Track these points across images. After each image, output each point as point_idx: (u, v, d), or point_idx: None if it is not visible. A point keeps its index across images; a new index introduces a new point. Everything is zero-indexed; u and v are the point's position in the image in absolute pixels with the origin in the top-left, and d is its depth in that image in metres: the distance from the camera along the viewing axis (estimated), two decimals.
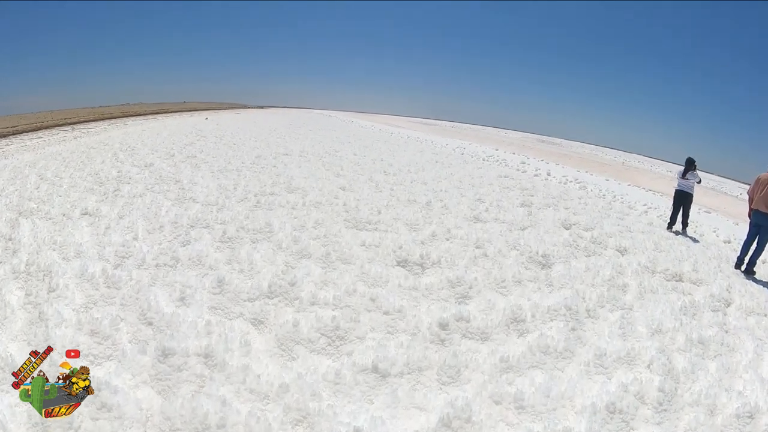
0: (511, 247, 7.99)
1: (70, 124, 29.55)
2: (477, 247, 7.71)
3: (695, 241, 10.97)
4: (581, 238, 8.90)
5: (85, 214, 8.65)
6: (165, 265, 6.49)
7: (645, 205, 15.43)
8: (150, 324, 5.10)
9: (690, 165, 11.79)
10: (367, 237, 7.61)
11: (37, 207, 8.92)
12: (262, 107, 73.69)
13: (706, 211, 16.00)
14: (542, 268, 7.37)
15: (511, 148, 35.87)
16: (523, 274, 6.83)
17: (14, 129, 24.97)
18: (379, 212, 8.97)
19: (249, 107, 70.19)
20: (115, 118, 36.27)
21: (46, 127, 27.07)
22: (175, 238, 7.57)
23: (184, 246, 7.17)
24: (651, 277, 7.44)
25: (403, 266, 6.73)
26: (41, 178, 11.81)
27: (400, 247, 6.98)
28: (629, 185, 21.43)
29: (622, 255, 8.40)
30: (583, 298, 6.37)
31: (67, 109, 38.71)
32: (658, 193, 20.05)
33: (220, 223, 8.09)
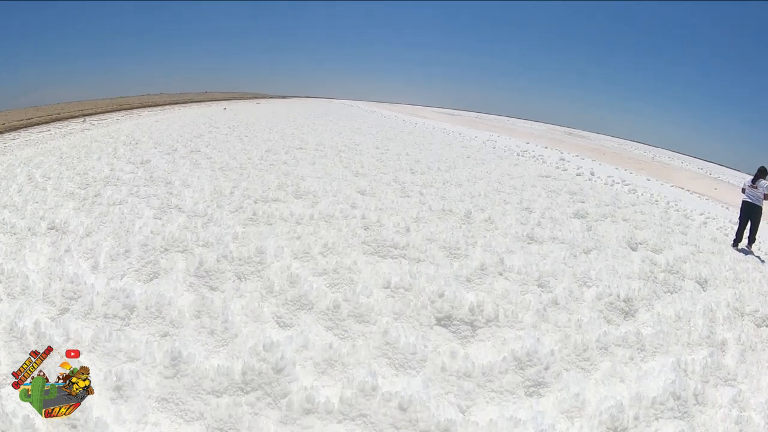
0: (581, 283, 6.07)
1: (84, 115, 28.55)
2: (541, 287, 5.80)
3: (762, 261, 9.49)
4: (655, 265, 7.31)
5: (52, 228, 7.21)
6: (115, 316, 4.72)
7: (701, 214, 13.77)
8: (74, 427, 3.32)
9: (762, 173, 10.18)
10: (392, 272, 5.70)
11: (6, 218, 7.61)
12: (284, 97, 71.91)
13: None
14: (626, 318, 5.54)
15: (542, 141, 33.65)
16: (609, 334, 4.90)
17: (29, 121, 24.45)
18: (408, 230, 7.05)
19: (271, 97, 68.53)
20: (133, 108, 35.23)
21: (59, 119, 26.15)
22: (142, 267, 5.85)
23: (148, 282, 5.47)
24: (741, 322, 6.12)
25: (445, 326, 4.78)
26: (29, 179, 10.52)
27: (441, 295, 4.98)
28: (672, 186, 20.00)
29: (704, 289, 7.01)
30: (685, 371, 4.71)
31: (87, 100, 37.81)
32: (704, 196, 18.82)
33: (202, 245, 6.33)
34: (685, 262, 7.67)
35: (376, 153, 15.43)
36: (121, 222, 7.31)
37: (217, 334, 4.60)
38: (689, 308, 6.02)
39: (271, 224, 7.23)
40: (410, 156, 15.59)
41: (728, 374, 4.86)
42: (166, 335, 4.53)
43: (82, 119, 26.76)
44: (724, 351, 5.33)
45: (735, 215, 14.58)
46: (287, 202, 8.45)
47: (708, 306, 6.15)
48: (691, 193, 18.73)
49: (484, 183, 12.10)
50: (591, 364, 4.46)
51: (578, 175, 17.02)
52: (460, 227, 7.68)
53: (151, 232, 6.80)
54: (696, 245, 8.90)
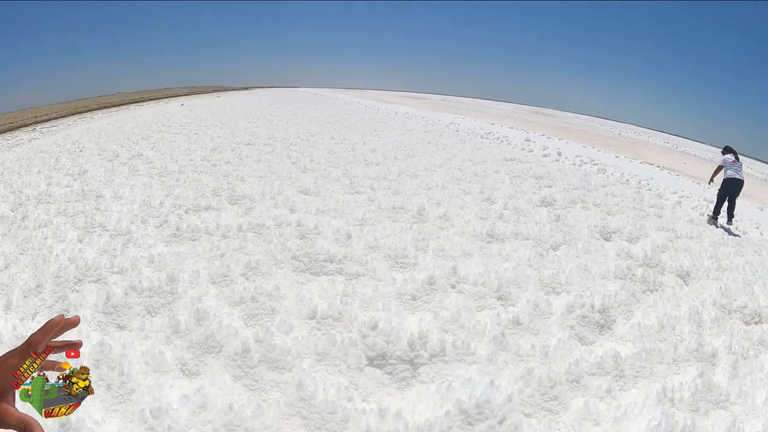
0: (549, 290, 5.25)
1: (36, 123, 26.87)
2: (501, 300, 4.94)
3: (740, 239, 9.29)
4: (632, 258, 6.58)
5: None
6: None
7: (675, 193, 13.35)
8: None
9: (730, 149, 10.55)
10: (322, 294, 4.80)
11: None
12: (246, 88, 69.98)
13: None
14: (602, 333, 4.76)
15: (508, 121, 32.94)
16: (582, 361, 4.07)
17: None
18: (349, 237, 6.14)
19: (233, 89, 66.51)
20: (88, 111, 33.40)
21: (9, 129, 24.44)
22: (54, 302, 4.99)
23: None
24: (730, 322, 5.44)
25: (379, 366, 3.84)
26: None
27: (374, 327, 4.03)
28: (641, 163, 19.73)
29: (687, 284, 6.31)
30: (672, 400, 3.94)
31: (43, 105, 35.85)
32: (674, 171, 18.66)
33: (116, 272, 5.39)
34: (663, 252, 6.97)
35: (330, 144, 14.46)
36: (40, 249, 6.29)
37: (113, 389, 3.69)
38: (673, 312, 5.26)
39: (195, 240, 6.26)
40: (367, 145, 14.64)
41: (720, 395, 4.13)
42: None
43: (31, 128, 25.15)
44: (714, 364, 4.60)
45: (707, 191, 14.13)
46: (219, 210, 7.49)
47: (693, 308, 5.40)
48: (661, 169, 18.39)
49: (444, 171, 11.24)
50: (559, 404, 3.62)
51: (545, 156, 16.33)
52: (411, 228, 6.79)
53: (68, 259, 5.83)
54: (673, 230, 8.21)
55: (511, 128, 27.43)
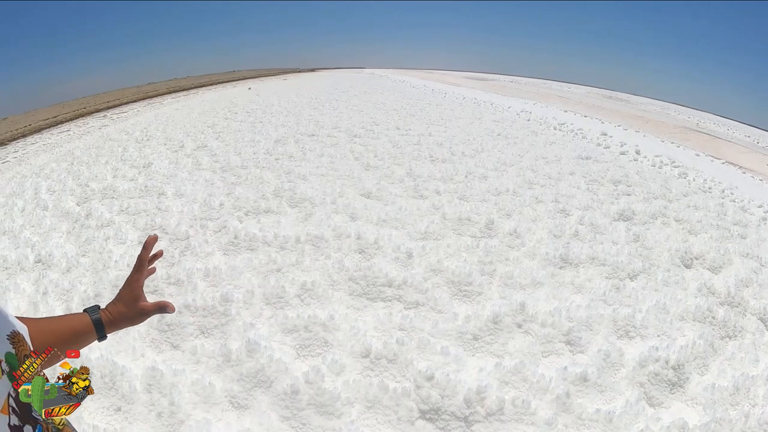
0: (622, 334, 4.79)
1: (108, 108, 28.17)
2: (570, 346, 4.53)
3: None
4: (714, 295, 5.88)
5: (38, 261, 6.37)
6: None
7: (760, 206, 11.76)
8: None
9: None
10: (377, 327, 4.57)
11: (2, 249, 6.85)
12: (313, 70, 70.39)
13: None
14: (672, 392, 4.27)
15: (581, 108, 31.40)
16: (646, 431, 3.66)
17: (54, 120, 24.31)
18: (410, 256, 5.85)
19: (299, 71, 67.06)
20: (158, 95, 34.69)
21: (82, 115, 25.86)
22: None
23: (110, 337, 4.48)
24: None
25: (431, 420, 3.56)
26: (35, 194, 9.70)
27: (430, 378, 3.75)
28: (723, 163, 17.80)
29: (767, 327, 5.54)
30: None
31: (115, 90, 37.61)
32: (758, 175, 16.59)
33: (173, 284, 5.49)
34: (747, 286, 6.23)
35: (395, 135, 14.13)
36: (101, 252, 6.47)
37: (164, 417, 3.70)
38: (750, 371, 4.64)
39: (253, 249, 6.18)
40: (432, 137, 14.20)
41: None
42: (119, 410, 3.76)
43: (102, 114, 26.31)
44: None
45: None
46: (279, 214, 7.39)
47: None
48: (744, 172, 16.85)
49: (514, 172, 10.70)
50: None
51: (622, 154, 15.35)
52: (477, 246, 6.41)
53: (127, 265, 5.98)
54: (758, 257, 7.34)
55: (585, 117, 26.17)
